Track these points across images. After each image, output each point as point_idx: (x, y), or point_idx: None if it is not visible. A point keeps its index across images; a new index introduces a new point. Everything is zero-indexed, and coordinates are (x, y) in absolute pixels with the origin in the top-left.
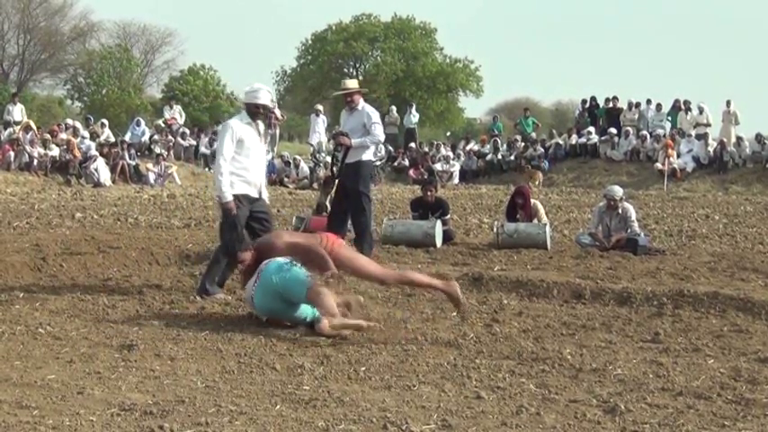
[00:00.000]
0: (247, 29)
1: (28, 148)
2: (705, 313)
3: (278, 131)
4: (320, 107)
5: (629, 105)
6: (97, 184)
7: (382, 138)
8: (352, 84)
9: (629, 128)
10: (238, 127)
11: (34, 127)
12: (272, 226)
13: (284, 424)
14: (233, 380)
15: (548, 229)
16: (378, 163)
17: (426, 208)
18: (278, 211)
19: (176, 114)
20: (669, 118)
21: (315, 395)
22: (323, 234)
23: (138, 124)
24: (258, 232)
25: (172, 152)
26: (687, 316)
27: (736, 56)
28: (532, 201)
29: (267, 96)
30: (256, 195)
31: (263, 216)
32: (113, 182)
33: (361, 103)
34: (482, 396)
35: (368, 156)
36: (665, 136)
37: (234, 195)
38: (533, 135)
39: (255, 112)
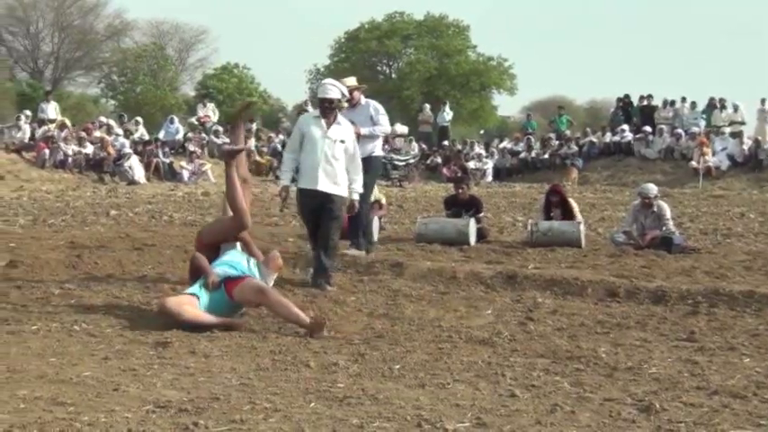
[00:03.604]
0: (281, 27)
1: (62, 145)
2: (741, 312)
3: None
4: None
5: (664, 103)
6: (131, 182)
7: (389, 129)
8: (350, 81)
9: (663, 126)
10: (303, 121)
11: (69, 125)
12: (327, 225)
13: (319, 421)
14: (267, 377)
15: (582, 227)
16: (411, 161)
17: (460, 206)
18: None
19: (210, 112)
20: (704, 116)
21: (349, 393)
22: None
23: (172, 122)
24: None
25: (206, 150)
26: (722, 315)
27: None
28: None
29: (334, 91)
30: (321, 189)
31: (326, 214)
32: (147, 179)
33: (363, 99)
34: (516, 394)
35: (378, 151)
36: (699, 134)
37: (299, 188)
38: (567, 133)
39: (322, 106)
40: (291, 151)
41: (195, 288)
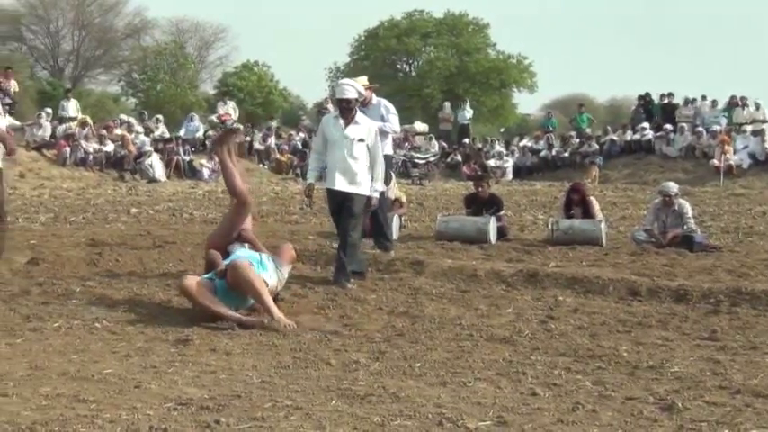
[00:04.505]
0: (300, 25)
1: (83, 143)
2: (763, 311)
3: None
4: None
5: (685, 101)
6: (152, 180)
7: (398, 128)
8: (362, 81)
9: (684, 124)
10: (325, 122)
11: (91, 123)
12: (345, 223)
13: (340, 419)
14: (288, 375)
15: (603, 225)
16: (432, 159)
17: (480, 204)
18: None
19: (230, 110)
20: (725, 114)
21: (370, 391)
22: None
23: (192, 120)
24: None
25: None
26: (744, 313)
27: None
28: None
29: (351, 91)
30: (338, 188)
31: (344, 212)
32: (168, 177)
33: (375, 98)
34: (538, 393)
35: (387, 149)
36: (720, 132)
37: (326, 188)
38: (588, 131)
39: (340, 107)
40: (316, 151)
41: (210, 276)
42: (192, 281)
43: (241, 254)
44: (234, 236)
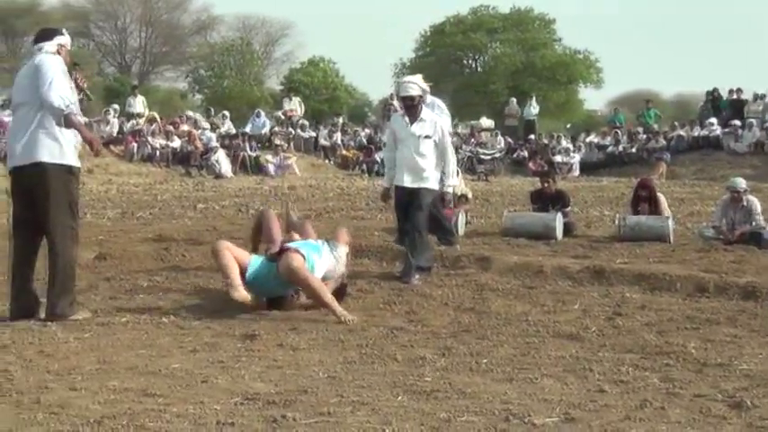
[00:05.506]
0: (365, 21)
1: (150, 139)
2: None
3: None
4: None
5: (754, 97)
6: (218, 176)
7: (450, 128)
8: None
9: (753, 120)
10: (393, 120)
11: (159, 119)
12: (412, 218)
13: (406, 415)
14: (355, 370)
15: (670, 222)
16: (497, 155)
17: (546, 200)
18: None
19: (296, 106)
20: None
21: (436, 386)
22: None
23: (259, 116)
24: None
25: (292, 144)
26: None
27: None
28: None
29: (414, 88)
30: (405, 185)
31: (411, 208)
32: (234, 173)
33: (429, 97)
34: (605, 389)
35: None
36: None
37: (396, 186)
38: (655, 127)
39: (404, 104)
40: (388, 150)
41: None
42: (223, 244)
43: (300, 240)
44: (276, 238)
